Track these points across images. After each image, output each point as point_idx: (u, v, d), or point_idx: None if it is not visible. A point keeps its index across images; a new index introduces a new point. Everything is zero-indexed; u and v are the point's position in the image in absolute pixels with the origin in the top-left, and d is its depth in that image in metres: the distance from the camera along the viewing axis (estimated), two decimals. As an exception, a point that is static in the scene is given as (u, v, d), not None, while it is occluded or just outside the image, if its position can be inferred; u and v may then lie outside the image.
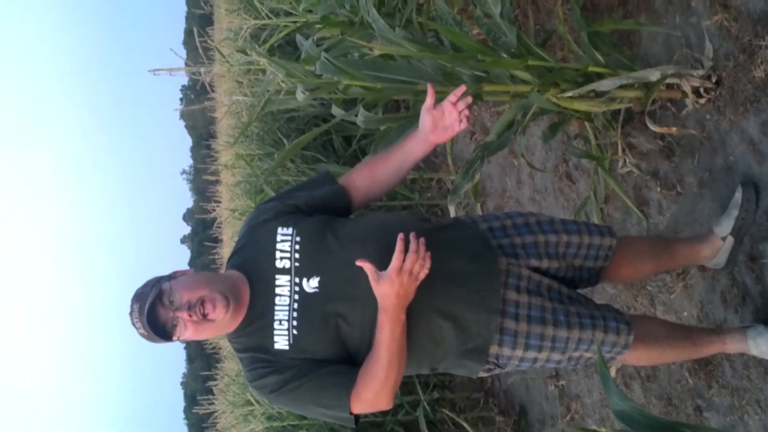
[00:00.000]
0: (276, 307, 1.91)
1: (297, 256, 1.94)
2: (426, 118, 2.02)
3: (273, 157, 5.73)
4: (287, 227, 1.98)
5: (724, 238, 2.42)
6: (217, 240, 10.74)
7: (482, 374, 2.08)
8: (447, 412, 4.34)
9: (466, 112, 1.99)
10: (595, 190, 3.09)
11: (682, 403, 2.79)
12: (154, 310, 1.84)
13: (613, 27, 2.80)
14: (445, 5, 2.56)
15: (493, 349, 1.98)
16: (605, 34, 2.59)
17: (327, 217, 2.03)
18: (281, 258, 1.94)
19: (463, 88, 2.01)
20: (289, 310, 1.90)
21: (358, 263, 1.78)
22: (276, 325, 1.90)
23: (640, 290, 3.06)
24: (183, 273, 1.96)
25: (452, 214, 2.90)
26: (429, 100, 2.02)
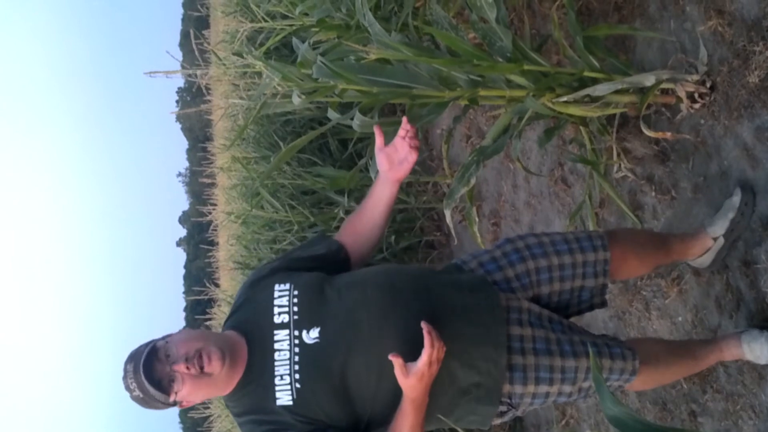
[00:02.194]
0: (276, 363, 1.87)
1: (296, 309, 1.91)
2: (381, 158, 2.05)
3: (269, 160, 5.72)
4: (284, 283, 1.97)
5: (715, 239, 2.42)
6: (213, 243, 10.72)
7: (496, 421, 2.03)
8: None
9: (415, 142, 2.01)
10: (590, 194, 3.09)
11: (677, 408, 2.79)
12: (150, 365, 1.79)
13: (609, 32, 2.80)
14: (441, 9, 2.56)
15: (506, 388, 1.95)
16: (600, 39, 2.60)
17: (325, 273, 2.02)
18: (279, 313, 1.91)
19: (405, 121, 2.03)
20: (290, 364, 1.86)
21: (390, 357, 1.72)
22: (277, 380, 1.85)
23: (635, 295, 3.06)
24: (176, 334, 1.93)
25: (448, 218, 2.90)
26: (378, 140, 2.06)
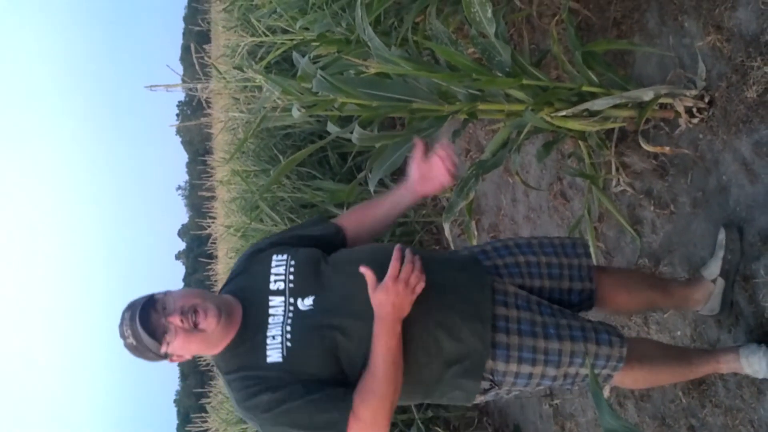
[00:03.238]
0: (269, 326, 1.92)
1: (291, 278, 1.97)
2: (414, 169, 2.10)
3: (269, 174, 5.74)
4: (282, 254, 2.03)
5: (714, 281, 2.44)
6: (212, 256, 10.72)
7: (478, 398, 2.06)
8: (441, 430, 4.33)
9: (453, 170, 2.05)
10: (589, 208, 3.10)
11: (676, 423, 2.78)
12: (146, 313, 1.84)
13: (607, 47, 2.82)
14: (440, 24, 2.58)
15: (488, 364, 1.98)
16: (599, 54, 2.61)
17: (321, 251, 2.08)
18: (275, 281, 1.97)
19: (451, 147, 2.07)
20: (282, 326, 1.91)
21: (361, 269, 1.82)
22: (269, 340, 1.90)
23: (634, 309, 3.05)
24: (176, 290, 1.98)
25: (447, 231, 2.91)
26: (418, 153, 2.10)
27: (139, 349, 1.86)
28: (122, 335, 1.86)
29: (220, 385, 8.04)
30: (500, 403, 4.30)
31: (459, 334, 1.95)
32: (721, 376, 2.51)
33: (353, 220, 2.21)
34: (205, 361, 8.65)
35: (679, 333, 2.78)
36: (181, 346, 1.87)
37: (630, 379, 2.20)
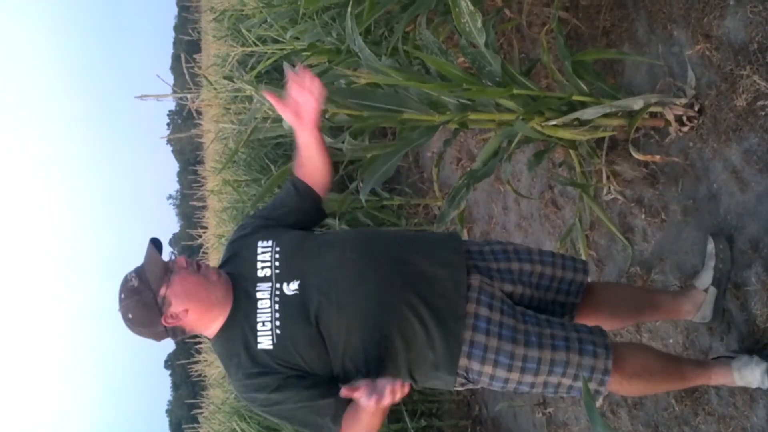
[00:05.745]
0: (258, 311, 1.98)
1: (277, 264, 2.03)
2: (287, 117, 2.13)
3: (260, 183, 5.72)
4: (267, 240, 2.09)
5: (705, 290, 2.45)
6: (203, 266, 10.68)
7: (457, 387, 2.10)
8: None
9: (312, 83, 2.07)
10: (580, 217, 3.10)
11: (669, 431, 2.78)
12: (151, 255, 1.98)
13: (597, 56, 2.83)
14: (430, 34, 2.58)
15: (462, 362, 2.01)
16: (589, 63, 2.62)
17: (306, 232, 2.17)
18: (262, 268, 2.04)
19: (291, 74, 2.09)
20: (271, 312, 1.97)
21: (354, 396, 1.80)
22: (259, 326, 1.97)
23: (626, 317, 3.05)
24: None
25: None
26: (276, 105, 2.13)
27: (138, 290, 1.93)
28: (124, 284, 1.96)
29: (212, 395, 8.00)
30: (493, 413, 4.29)
31: (429, 326, 1.99)
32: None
33: (303, 175, 2.22)
34: (196, 371, 8.61)
35: (671, 341, 2.78)
36: (181, 287, 1.94)
37: (625, 389, 2.21)
